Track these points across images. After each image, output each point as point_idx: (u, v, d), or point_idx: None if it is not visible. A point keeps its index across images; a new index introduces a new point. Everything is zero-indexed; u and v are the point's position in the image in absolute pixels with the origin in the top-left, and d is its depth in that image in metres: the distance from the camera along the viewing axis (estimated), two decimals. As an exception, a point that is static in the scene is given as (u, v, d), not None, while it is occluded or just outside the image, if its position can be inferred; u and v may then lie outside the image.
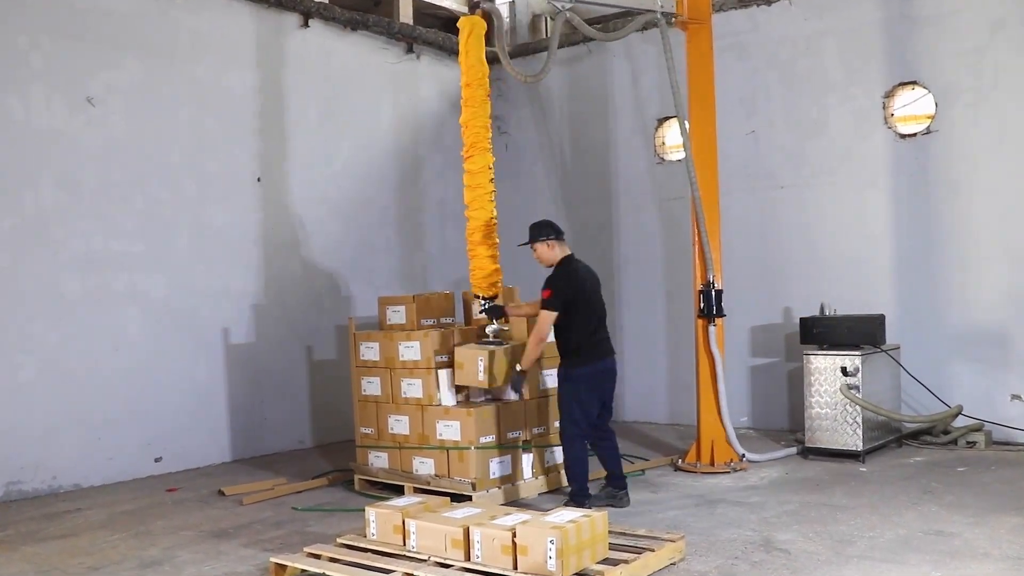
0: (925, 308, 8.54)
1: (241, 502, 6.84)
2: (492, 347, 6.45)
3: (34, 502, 7.08)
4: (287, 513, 6.51)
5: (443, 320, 7.16)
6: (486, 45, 11.65)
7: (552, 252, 6.25)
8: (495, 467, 6.55)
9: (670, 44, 7.56)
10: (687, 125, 7.66)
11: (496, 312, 6.65)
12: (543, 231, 6.29)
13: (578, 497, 6.07)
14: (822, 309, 8.29)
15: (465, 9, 11.58)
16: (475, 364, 6.36)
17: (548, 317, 6.08)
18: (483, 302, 6.78)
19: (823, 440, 7.68)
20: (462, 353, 6.48)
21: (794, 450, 7.94)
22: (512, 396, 6.52)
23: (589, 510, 4.98)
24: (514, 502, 6.48)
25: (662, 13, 7.51)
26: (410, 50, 10.54)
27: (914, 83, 8.62)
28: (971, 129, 8.33)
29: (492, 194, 6.94)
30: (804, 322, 8.05)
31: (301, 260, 9.36)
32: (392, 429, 6.95)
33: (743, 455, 7.57)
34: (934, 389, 8.21)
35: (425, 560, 4.81)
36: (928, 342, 8.48)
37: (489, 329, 6.64)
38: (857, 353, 7.59)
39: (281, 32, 9.22)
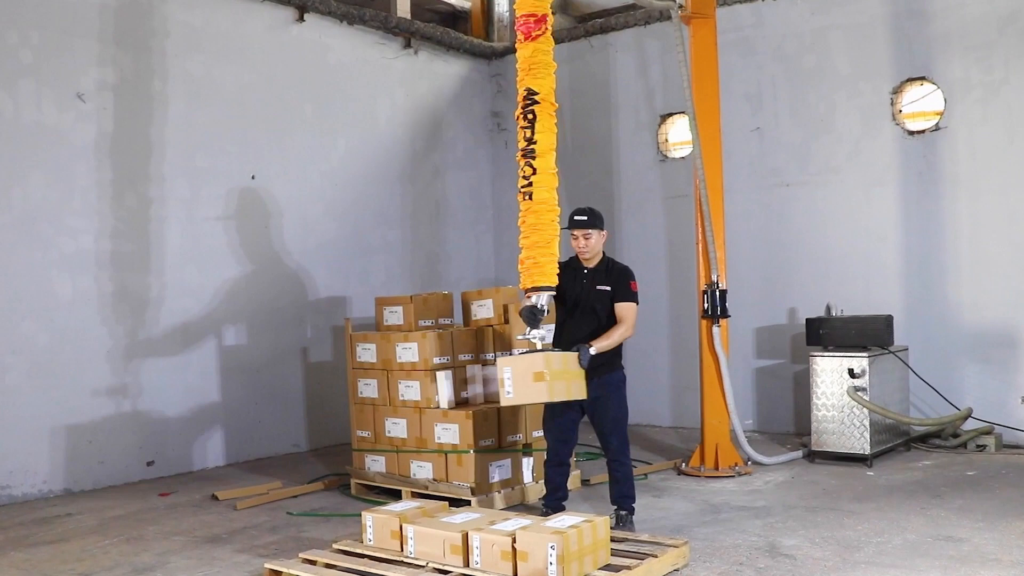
0: (934, 308, 8.55)
1: (235, 507, 6.85)
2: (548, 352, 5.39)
3: (24, 507, 7.08)
4: (282, 518, 6.51)
5: (441, 321, 7.16)
6: (486, 38, 11.69)
7: (600, 246, 5.91)
8: (495, 471, 6.56)
9: (682, 36, 7.53)
10: (692, 121, 7.66)
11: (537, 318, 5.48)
12: (603, 222, 5.90)
13: (632, 515, 5.87)
14: (828, 309, 8.29)
15: (464, 3, 11.64)
16: (533, 371, 5.19)
17: (636, 311, 5.79)
18: (543, 297, 5.50)
19: (829, 443, 7.69)
20: (513, 363, 5.32)
21: (800, 453, 7.94)
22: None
23: (592, 515, 4.99)
24: (514, 507, 6.49)
25: (678, 5, 7.49)
26: (408, 45, 10.55)
27: (923, 79, 8.63)
28: (980, 126, 8.33)
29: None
30: (810, 323, 8.05)
31: (296, 260, 9.35)
32: (389, 432, 6.96)
33: (748, 460, 7.58)
34: (943, 391, 8.22)
35: (423, 566, 4.81)
36: (937, 343, 8.48)
37: (536, 334, 5.43)
38: (864, 355, 7.59)
39: (275, 26, 9.22)
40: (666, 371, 10.12)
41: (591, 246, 5.80)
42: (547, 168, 5.59)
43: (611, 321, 5.76)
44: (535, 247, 5.53)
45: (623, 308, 5.75)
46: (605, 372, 5.76)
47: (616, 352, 5.83)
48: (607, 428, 5.81)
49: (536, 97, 5.60)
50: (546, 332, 5.52)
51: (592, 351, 5.53)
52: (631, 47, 10.44)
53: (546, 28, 5.63)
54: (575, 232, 5.79)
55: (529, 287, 5.53)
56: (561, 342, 5.83)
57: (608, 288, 5.75)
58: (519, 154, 5.65)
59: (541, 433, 6.88)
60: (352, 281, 9.84)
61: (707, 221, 7.45)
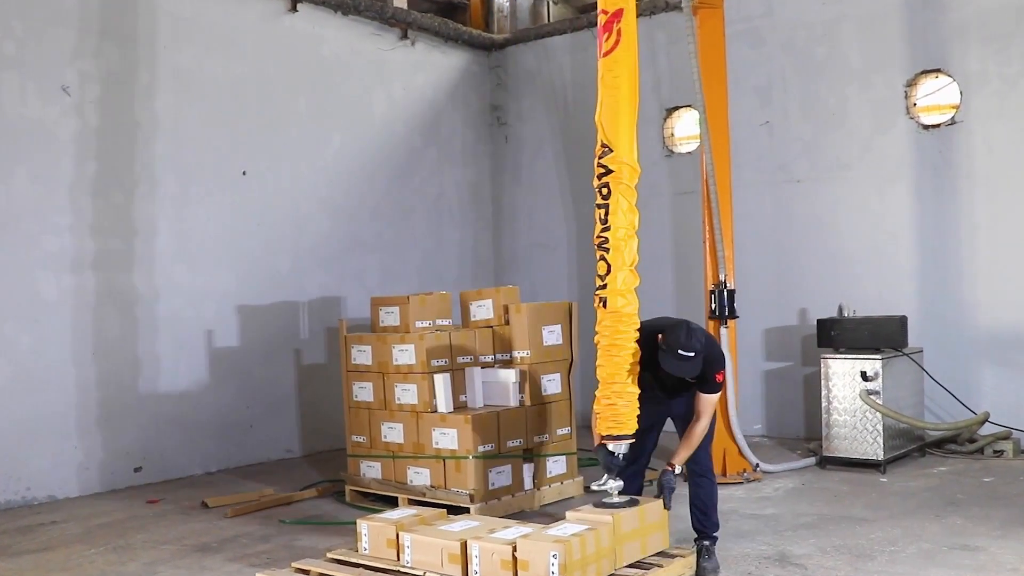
0: (949, 309, 8.55)
1: (226, 514, 6.84)
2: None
3: (6, 514, 7.08)
4: (274, 526, 6.51)
5: (439, 322, 7.15)
6: (485, 29, 11.69)
7: None
8: (494, 477, 6.55)
9: (692, 27, 7.51)
10: (701, 116, 7.66)
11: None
12: (719, 365, 5.13)
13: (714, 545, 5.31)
14: (840, 310, 8.27)
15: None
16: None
17: (715, 403, 5.22)
18: (622, 446, 5.00)
19: (841, 449, 7.69)
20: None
21: (812, 460, 7.91)
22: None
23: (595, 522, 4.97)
24: (515, 515, 6.49)
25: None
26: (404, 36, 10.54)
27: (938, 71, 8.62)
28: (997, 120, 8.33)
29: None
30: (821, 324, 8.05)
31: (289, 258, 9.35)
32: (385, 437, 6.95)
33: (756, 465, 7.57)
34: (959, 394, 8.22)
35: (420, 576, 4.82)
36: (952, 345, 8.48)
37: (612, 485, 4.98)
38: (877, 356, 7.59)
39: (267, 17, 9.21)
40: (672, 374, 10.10)
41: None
42: (625, 263, 4.89)
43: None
44: (613, 384, 4.94)
45: (703, 401, 5.14)
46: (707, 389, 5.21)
47: (722, 364, 5.23)
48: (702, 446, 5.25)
49: (611, 162, 4.82)
50: (622, 482, 5.00)
51: (677, 470, 5.06)
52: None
53: (619, 38, 4.78)
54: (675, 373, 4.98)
55: (605, 435, 4.99)
56: (660, 392, 5.28)
57: (695, 380, 5.11)
58: (595, 238, 4.99)
59: (542, 439, 6.91)
60: (347, 280, 9.83)
61: (716, 218, 7.44)
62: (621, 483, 5.00)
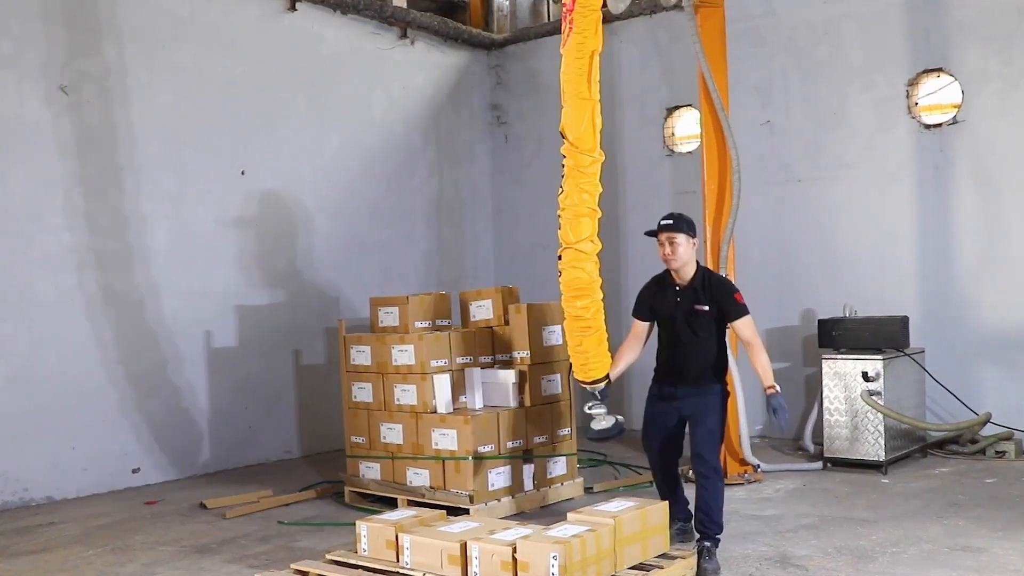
0: (951, 309, 8.55)
1: (224, 516, 6.85)
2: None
3: (4, 515, 7.08)
4: (273, 527, 6.52)
5: (438, 322, 7.16)
6: (485, 28, 11.69)
7: (692, 254, 5.46)
8: (494, 478, 6.56)
9: (697, 24, 7.49)
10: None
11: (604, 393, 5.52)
12: (692, 227, 5.48)
13: (716, 547, 5.32)
14: (846, 310, 8.27)
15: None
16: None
17: (753, 323, 5.47)
18: (601, 387, 5.49)
19: (843, 450, 7.69)
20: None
21: (819, 465, 7.86)
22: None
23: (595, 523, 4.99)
24: (515, 516, 6.49)
25: None
26: (404, 35, 10.55)
27: (939, 70, 8.63)
28: (999, 119, 8.33)
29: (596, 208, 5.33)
30: (823, 324, 8.06)
31: (287, 259, 9.36)
32: (384, 438, 6.96)
33: (758, 466, 7.57)
34: (961, 395, 8.22)
35: (420, 577, 4.82)
36: (954, 345, 8.48)
37: (598, 411, 5.46)
38: (879, 357, 7.60)
39: (266, 15, 9.21)
40: (672, 374, 10.10)
41: (678, 254, 5.39)
42: (571, 240, 5.19)
43: (714, 342, 5.48)
44: (573, 337, 5.42)
45: (742, 328, 5.41)
46: (708, 383, 5.50)
47: (719, 367, 5.53)
48: (698, 441, 5.36)
49: (564, 149, 5.17)
50: (605, 409, 5.45)
51: (778, 389, 5.30)
52: (636, 38, 10.43)
53: (571, 27, 4.98)
54: (660, 238, 5.45)
55: (583, 381, 5.49)
56: (672, 372, 5.56)
57: (707, 308, 5.39)
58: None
59: (543, 439, 6.91)
60: (346, 280, 9.84)
61: (734, 216, 7.44)
62: (605, 409, 5.43)
